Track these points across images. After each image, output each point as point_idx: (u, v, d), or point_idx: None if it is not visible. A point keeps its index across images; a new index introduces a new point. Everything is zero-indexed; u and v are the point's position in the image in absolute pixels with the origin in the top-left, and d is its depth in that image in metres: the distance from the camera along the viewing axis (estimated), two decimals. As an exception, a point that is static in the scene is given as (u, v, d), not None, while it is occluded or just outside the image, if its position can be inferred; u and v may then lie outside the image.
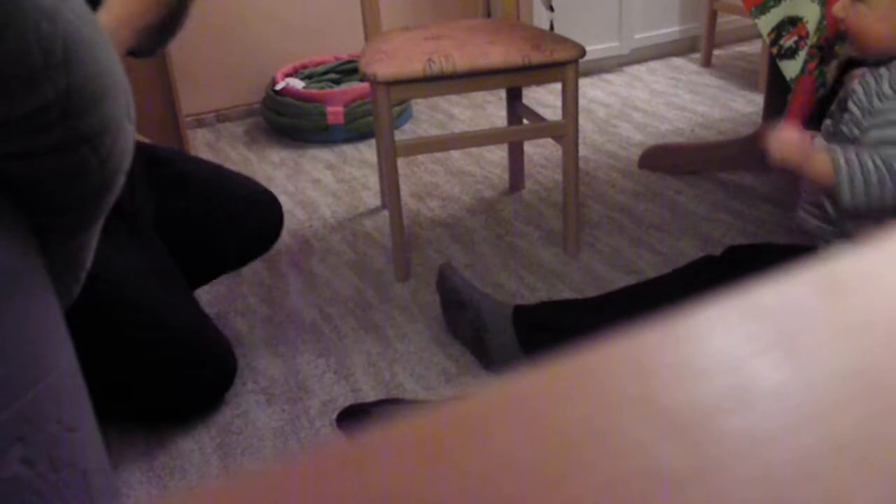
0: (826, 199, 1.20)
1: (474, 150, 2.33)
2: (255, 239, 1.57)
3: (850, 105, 1.19)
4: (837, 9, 1.16)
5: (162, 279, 1.35)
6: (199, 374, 1.34)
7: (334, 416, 1.35)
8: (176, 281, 1.39)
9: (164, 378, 1.30)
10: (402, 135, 2.51)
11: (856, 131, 1.16)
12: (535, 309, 1.45)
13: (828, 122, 1.27)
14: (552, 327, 1.40)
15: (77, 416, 0.62)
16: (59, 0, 0.53)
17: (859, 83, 1.18)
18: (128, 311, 1.26)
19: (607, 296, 1.45)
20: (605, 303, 1.42)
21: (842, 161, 1.11)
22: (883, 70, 1.15)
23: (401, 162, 1.66)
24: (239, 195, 1.52)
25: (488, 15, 2.91)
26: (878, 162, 1.09)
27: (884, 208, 1.10)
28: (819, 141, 1.22)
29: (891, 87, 1.12)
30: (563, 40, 1.67)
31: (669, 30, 3.08)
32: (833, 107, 1.28)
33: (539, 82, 2.11)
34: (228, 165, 1.98)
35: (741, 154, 2.12)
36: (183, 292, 1.40)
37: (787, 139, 1.16)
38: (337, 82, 2.65)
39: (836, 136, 1.21)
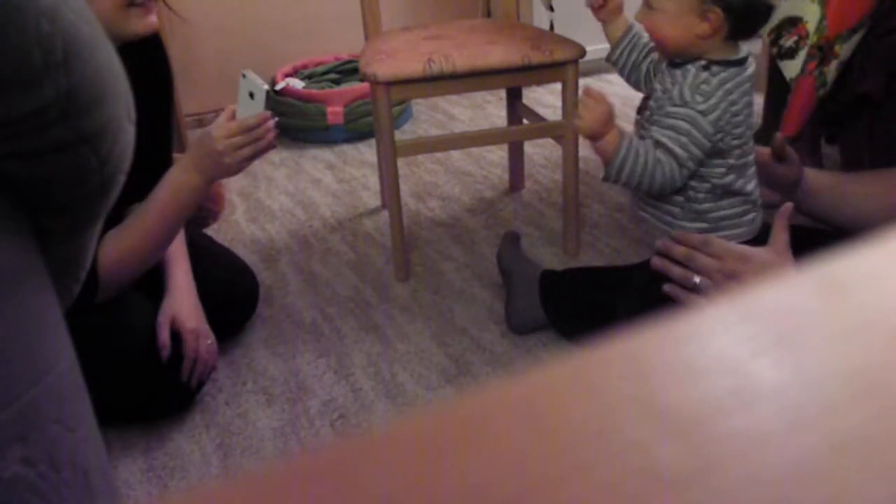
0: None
1: (474, 150, 2.33)
2: (229, 321, 1.54)
3: (651, 102, 1.23)
4: (637, 15, 1.18)
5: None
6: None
7: (334, 416, 1.35)
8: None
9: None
10: (402, 135, 2.51)
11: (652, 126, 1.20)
12: (560, 274, 1.54)
13: (637, 116, 1.31)
14: (574, 292, 1.49)
15: (77, 415, 0.62)
16: (59, 0, 0.53)
17: (659, 81, 1.21)
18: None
19: (630, 267, 1.48)
20: (627, 274, 1.44)
21: (625, 146, 1.14)
22: (679, 74, 1.17)
23: (401, 162, 1.66)
24: (214, 276, 1.50)
25: (488, 15, 2.91)
26: (649, 158, 1.14)
27: (645, 189, 1.19)
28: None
29: (680, 94, 1.14)
30: (563, 40, 1.68)
31: (669, 30, 3.08)
32: (641, 102, 1.33)
33: (539, 82, 2.11)
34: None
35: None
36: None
37: (595, 108, 1.16)
38: (337, 82, 2.65)
39: (642, 129, 1.25)
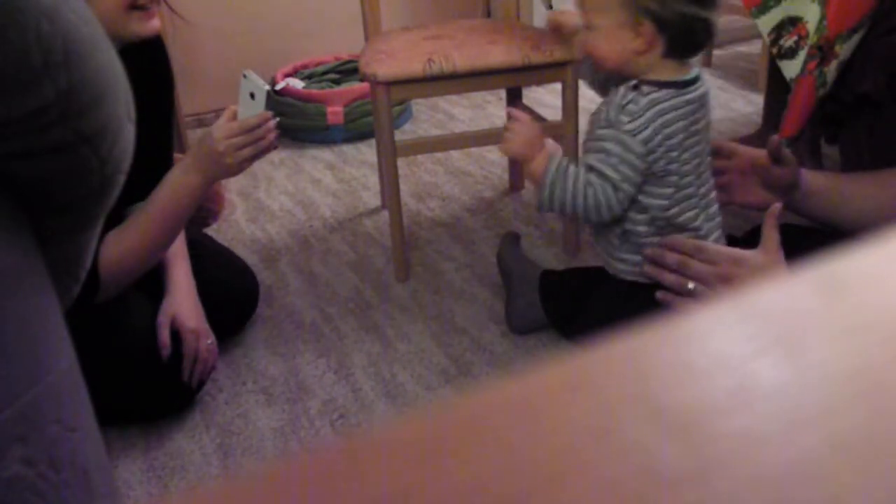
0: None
1: (474, 150, 2.33)
2: (229, 321, 1.54)
3: (588, 125, 1.19)
4: (578, 37, 1.17)
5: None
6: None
7: (334, 416, 1.35)
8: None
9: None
10: (402, 135, 2.51)
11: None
12: (560, 274, 1.53)
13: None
14: (574, 292, 1.47)
15: (77, 415, 0.62)
16: (59, 0, 0.53)
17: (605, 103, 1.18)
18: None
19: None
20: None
21: (553, 167, 1.11)
22: (613, 94, 1.13)
23: (401, 162, 1.66)
24: (214, 276, 1.51)
25: (488, 15, 2.91)
26: (580, 180, 1.10)
27: (571, 216, 1.17)
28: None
29: (607, 116, 1.11)
30: (564, 40, 1.67)
31: (669, 30, 3.08)
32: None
33: (539, 82, 2.10)
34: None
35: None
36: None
37: (522, 131, 1.15)
38: (337, 82, 2.65)
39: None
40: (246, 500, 0.18)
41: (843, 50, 1.37)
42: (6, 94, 0.53)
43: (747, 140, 2.13)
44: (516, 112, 1.18)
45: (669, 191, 1.14)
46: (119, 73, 0.60)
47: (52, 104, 0.54)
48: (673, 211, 1.15)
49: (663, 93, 1.10)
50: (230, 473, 1.23)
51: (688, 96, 1.12)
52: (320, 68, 2.69)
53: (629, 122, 1.09)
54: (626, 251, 1.20)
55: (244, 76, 1.28)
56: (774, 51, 1.51)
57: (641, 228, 1.17)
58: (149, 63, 1.34)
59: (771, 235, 1.11)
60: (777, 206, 1.15)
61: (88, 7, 0.57)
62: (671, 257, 1.15)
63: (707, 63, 2.99)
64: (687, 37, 1.09)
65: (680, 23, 1.06)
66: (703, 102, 1.15)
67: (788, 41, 1.48)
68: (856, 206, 1.26)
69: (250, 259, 1.79)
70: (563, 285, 1.51)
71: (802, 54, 1.44)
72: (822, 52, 1.40)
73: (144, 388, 1.34)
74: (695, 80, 1.13)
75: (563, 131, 1.68)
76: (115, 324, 1.32)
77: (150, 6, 1.21)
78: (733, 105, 2.61)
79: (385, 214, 1.98)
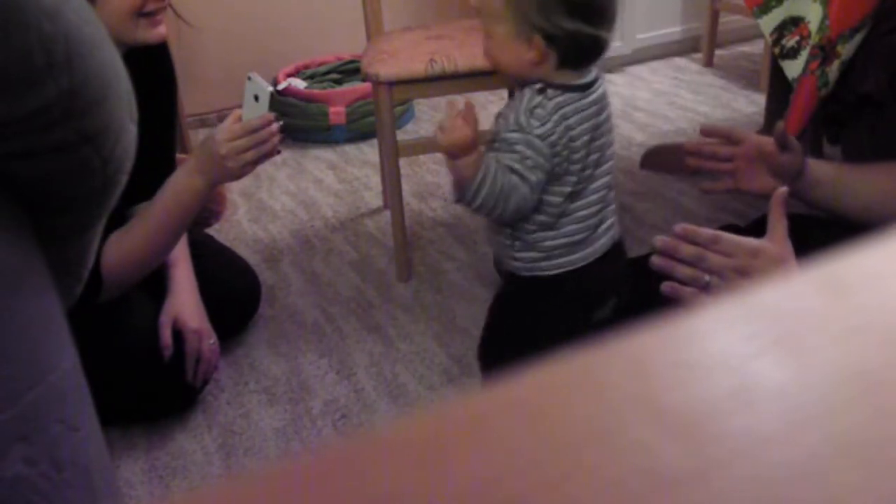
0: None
1: (476, 150, 2.33)
2: (231, 321, 1.54)
3: (496, 127, 1.18)
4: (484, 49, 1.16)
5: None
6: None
7: (336, 416, 1.35)
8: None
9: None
10: (404, 135, 2.51)
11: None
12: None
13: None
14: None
15: (79, 415, 0.62)
16: (60, 0, 0.54)
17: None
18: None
19: (635, 259, 1.48)
20: (634, 264, 1.44)
21: (484, 166, 1.10)
22: (519, 96, 1.14)
23: (403, 162, 1.67)
24: (216, 276, 1.51)
25: (490, 15, 2.91)
26: (506, 182, 1.10)
27: (497, 218, 1.15)
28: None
29: (516, 119, 1.11)
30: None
31: (671, 30, 3.08)
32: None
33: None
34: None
35: (743, 154, 2.11)
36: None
37: (461, 130, 1.14)
38: (339, 82, 2.65)
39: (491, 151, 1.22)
40: (248, 500, 0.18)
41: (845, 50, 1.37)
42: (8, 93, 0.53)
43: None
44: (463, 109, 1.16)
45: (567, 189, 1.15)
46: (121, 73, 0.60)
47: (54, 104, 0.54)
48: (562, 206, 1.16)
49: (567, 97, 1.12)
50: (232, 473, 1.23)
51: (591, 97, 1.14)
52: (322, 68, 2.69)
53: (539, 126, 1.10)
54: (519, 249, 1.20)
55: (248, 78, 1.28)
56: (776, 51, 1.51)
57: (532, 225, 1.17)
58: (152, 64, 1.34)
59: (779, 224, 1.10)
60: (783, 190, 1.13)
61: (91, 8, 0.58)
62: (688, 249, 1.13)
63: (709, 63, 2.99)
64: (576, 51, 1.11)
65: (567, 39, 1.08)
66: (604, 101, 1.17)
67: (790, 41, 1.48)
68: (862, 195, 1.26)
69: (252, 259, 1.79)
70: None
71: (804, 54, 1.44)
72: (824, 51, 1.40)
73: (146, 388, 1.34)
74: (594, 81, 1.15)
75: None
76: (117, 324, 1.32)
77: (157, 13, 1.21)
78: (735, 105, 2.61)
79: (387, 214, 1.98)
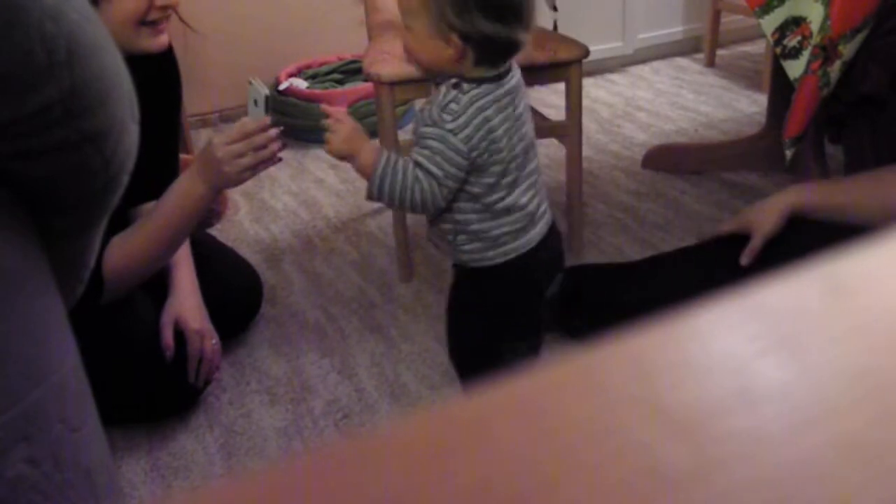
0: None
1: (478, 150, 2.33)
2: (232, 321, 1.54)
3: (413, 122, 1.19)
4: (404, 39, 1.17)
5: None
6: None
7: (338, 416, 1.35)
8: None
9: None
10: (406, 135, 2.51)
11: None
12: (562, 273, 1.52)
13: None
14: (576, 291, 1.49)
15: (81, 415, 0.62)
16: (62, 0, 0.54)
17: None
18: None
19: (632, 264, 1.48)
20: (630, 272, 1.44)
21: (383, 160, 1.13)
22: (436, 93, 1.15)
23: (404, 162, 1.66)
24: (217, 276, 1.51)
25: (492, 15, 2.91)
26: (409, 175, 1.12)
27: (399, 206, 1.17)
28: None
29: (430, 114, 1.12)
30: (567, 40, 1.67)
31: (673, 30, 3.08)
32: None
33: (543, 82, 2.11)
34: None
35: (745, 154, 2.12)
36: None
37: (340, 129, 1.15)
38: (340, 82, 2.65)
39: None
40: (249, 500, 0.18)
41: (847, 50, 1.37)
42: (10, 93, 0.53)
43: (751, 139, 2.13)
44: (331, 109, 1.19)
45: (492, 180, 1.16)
46: (123, 74, 0.60)
47: (56, 103, 0.54)
48: (498, 195, 1.17)
49: (483, 88, 1.12)
50: (234, 473, 1.23)
51: (506, 87, 1.15)
52: (324, 68, 2.69)
53: (451, 121, 1.11)
54: (463, 242, 1.20)
55: (250, 83, 1.28)
56: (778, 51, 1.51)
57: (473, 216, 1.18)
58: (157, 66, 1.34)
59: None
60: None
61: (93, 9, 0.58)
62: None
63: (710, 63, 2.99)
64: (493, 50, 1.12)
65: (483, 39, 1.09)
66: (519, 89, 1.18)
67: (792, 41, 1.48)
68: (859, 213, 1.28)
69: (254, 259, 1.79)
70: (566, 284, 1.50)
71: (806, 54, 1.44)
72: (826, 52, 1.40)
73: (148, 389, 1.34)
74: (508, 70, 1.16)
75: (567, 131, 1.68)
76: (119, 324, 1.32)
77: (160, 22, 1.20)
78: (737, 105, 2.61)
79: (388, 214, 1.98)
